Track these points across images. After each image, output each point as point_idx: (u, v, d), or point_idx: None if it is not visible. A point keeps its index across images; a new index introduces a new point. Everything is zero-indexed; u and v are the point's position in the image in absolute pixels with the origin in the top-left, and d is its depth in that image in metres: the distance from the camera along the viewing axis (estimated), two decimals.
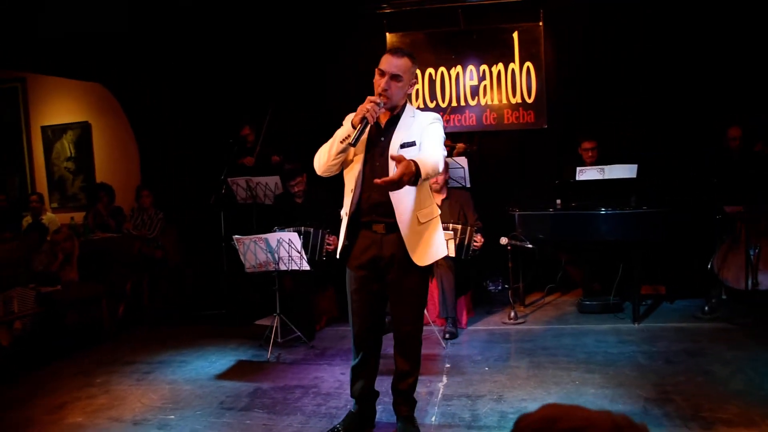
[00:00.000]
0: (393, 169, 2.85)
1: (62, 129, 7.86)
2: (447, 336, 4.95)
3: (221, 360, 4.74)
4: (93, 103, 7.62)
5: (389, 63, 2.91)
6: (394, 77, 2.89)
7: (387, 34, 6.70)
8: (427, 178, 2.76)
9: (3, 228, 6.09)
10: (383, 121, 3.05)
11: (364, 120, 2.81)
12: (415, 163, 2.62)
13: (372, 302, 3.14)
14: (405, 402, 3.26)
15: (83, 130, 7.74)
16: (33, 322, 5.07)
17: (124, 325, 5.83)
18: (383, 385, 3.46)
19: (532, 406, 3.49)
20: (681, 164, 5.91)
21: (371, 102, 2.83)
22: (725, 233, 5.28)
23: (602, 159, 5.80)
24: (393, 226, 3.02)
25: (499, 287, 6.46)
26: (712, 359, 4.13)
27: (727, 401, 3.42)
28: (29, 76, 7.84)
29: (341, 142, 2.91)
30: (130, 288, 6.06)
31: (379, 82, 2.91)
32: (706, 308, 5.16)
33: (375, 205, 3.02)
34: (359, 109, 2.84)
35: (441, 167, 2.85)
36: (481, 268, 6.38)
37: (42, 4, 5.62)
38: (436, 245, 3.11)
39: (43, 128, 7.94)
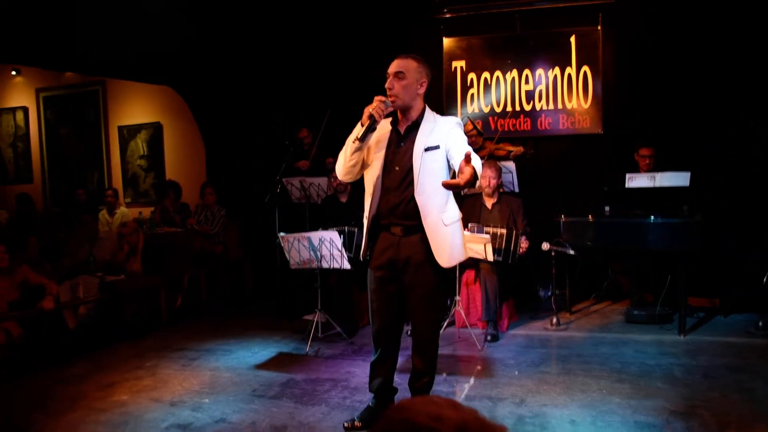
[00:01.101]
0: (417, 174, 3.03)
1: (136, 129, 8.42)
2: (489, 338, 4.96)
3: (263, 351, 4.95)
4: (164, 105, 8.13)
5: (393, 64, 3.06)
6: (397, 75, 3.02)
7: (444, 38, 6.76)
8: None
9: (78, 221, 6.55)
10: (403, 127, 3.14)
11: (371, 117, 2.92)
12: (474, 168, 2.69)
13: (390, 302, 3.24)
14: None
15: (155, 130, 8.27)
16: (96, 308, 5.47)
17: (181, 315, 6.17)
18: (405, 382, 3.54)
19: (551, 412, 3.49)
20: (742, 171, 5.65)
21: (378, 100, 2.95)
22: None
23: (659, 166, 5.63)
24: (411, 229, 3.11)
25: (549, 293, 6.37)
26: (754, 376, 3.95)
27: (758, 420, 3.29)
28: (108, 80, 8.44)
29: (353, 143, 3.03)
30: (188, 280, 6.39)
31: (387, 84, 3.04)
32: (760, 324, 4.92)
33: (393, 208, 3.12)
34: (366, 108, 2.95)
35: (480, 171, 2.89)
36: (533, 274, 6.34)
37: (118, 16, 6.04)
38: (459, 248, 3.19)
39: (120, 128, 8.54)
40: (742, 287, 5.47)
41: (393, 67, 3.06)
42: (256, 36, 6.97)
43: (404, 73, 3.02)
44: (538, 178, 6.56)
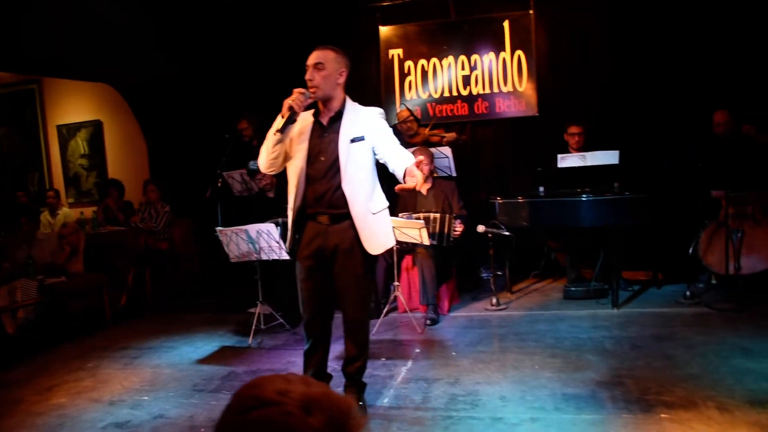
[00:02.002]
0: (343, 164, 3.10)
1: (76, 128, 8.24)
2: (428, 323, 5.04)
3: (206, 346, 4.95)
4: (103, 102, 7.97)
5: (312, 56, 3.10)
6: (316, 66, 3.06)
7: (380, 27, 6.79)
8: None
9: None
10: (325, 118, 3.19)
11: (291, 109, 2.97)
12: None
13: (319, 290, 3.29)
14: (353, 385, 3.40)
15: (95, 129, 8.11)
16: (36, 311, 5.39)
17: (126, 314, 6.11)
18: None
19: (484, 389, 3.60)
20: (667, 151, 5.84)
21: (297, 92, 2.99)
22: (708, 218, 5.23)
23: (589, 145, 5.78)
24: (338, 217, 3.17)
25: (492, 274, 6.50)
26: (677, 344, 4.13)
27: (676, 384, 3.45)
28: (44, 78, 8.23)
29: (274, 135, 3.06)
30: (132, 279, 6.33)
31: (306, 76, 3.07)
32: (687, 293, 5.12)
33: (319, 198, 3.17)
34: (285, 101, 2.99)
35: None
36: (474, 256, 6.46)
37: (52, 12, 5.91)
38: (386, 235, 3.27)
39: (59, 127, 8.34)
40: (674, 259, 5.68)
41: (312, 59, 3.10)
42: (192, 29, 6.88)
43: (323, 64, 3.06)
44: (478, 162, 6.67)
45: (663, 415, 3.09)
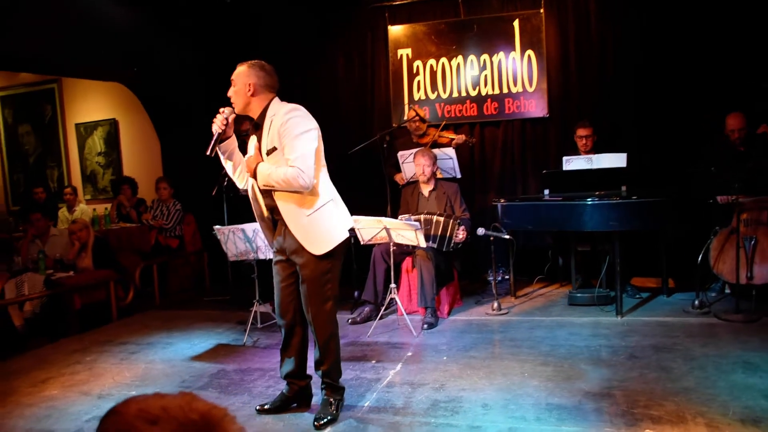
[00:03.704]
0: None
1: (93, 126, 8.40)
2: (425, 326, 4.96)
3: (203, 343, 4.97)
4: (119, 101, 8.11)
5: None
6: (232, 82, 3.14)
7: (389, 26, 6.74)
8: (276, 188, 3.04)
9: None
10: (256, 131, 3.22)
11: (217, 132, 3.05)
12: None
13: (286, 287, 3.31)
14: (325, 386, 3.35)
15: (111, 127, 8.25)
16: (42, 305, 5.48)
17: (132, 310, 6.18)
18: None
19: (468, 396, 3.53)
20: (679, 154, 5.66)
21: (219, 112, 3.09)
22: (720, 224, 5.04)
23: (599, 148, 5.64)
24: (284, 221, 3.18)
25: (499, 278, 6.40)
26: (677, 355, 3.98)
27: (667, 398, 3.31)
28: (63, 78, 8.41)
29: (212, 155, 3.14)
30: (139, 275, 6.39)
31: None
32: (696, 302, 4.94)
33: (267, 206, 3.23)
34: (213, 122, 3.08)
35: (300, 182, 2.97)
36: (480, 259, 6.37)
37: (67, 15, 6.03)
38: (329, 233, 3.18)
39: (77, 125, 8.52)
40: (686, 267, 5.49)
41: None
42: (206, 28, 6.94)
43: (234, 80, 3.15)
44: (486, 163, 6.57)
45: (647, 431, 2.96)
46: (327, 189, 3.21)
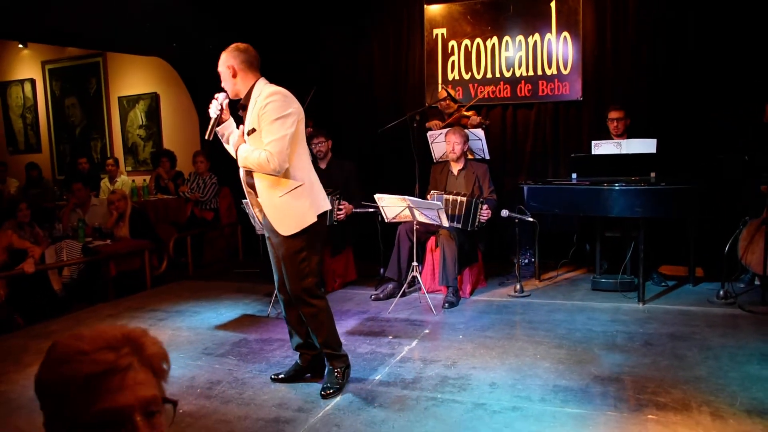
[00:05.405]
0: None
1: (135, 99, 8.67)
2: (446, 305, 5.02)
3: (229, 313, 5.14)
4: (160, 75, 8.33)
5: None
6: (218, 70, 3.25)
7: (425, 6, 6.71)
8: (253, 169, 3.15)
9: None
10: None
11: (213, 116, 3.19)
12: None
13: (279, 263, 3.38)
14: (327, 355, 3.46)
15: (152, 101, 8.50)
16: (80, 271, 5.74)
17: (165, 279, 6.42)
18: None
19: (477, 374, 3.58)
20: (712, 142, 5.52)
21: (214, 99, 3.19)
22: (750, 214, 4.92)
23: (632, 132, 5.55)
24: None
25: (526, 261, 6.39)
26: (693, 344, 3.94)
27: (675, 386, 3.31)
28: (107, 52, 8.67)
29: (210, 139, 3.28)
30: (174, 246, 6.61)
31: None
32: (720, 293, 4.86)
33: (250, 185, 3.32)
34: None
35: (271, 166, 3.03)
36: (507, 240, 6.36)
37: None
38: (298, 215, 3.22)
39: (120, 98, 8.80)
40: (716, 256, 5.38)
41: None
42: (243, 9, 7.04)
43: (219, 70, 3.24)
44: (518, 145, 6.53)
45: (650, 416, 2.97)
46: (302, 173, 3.23)
